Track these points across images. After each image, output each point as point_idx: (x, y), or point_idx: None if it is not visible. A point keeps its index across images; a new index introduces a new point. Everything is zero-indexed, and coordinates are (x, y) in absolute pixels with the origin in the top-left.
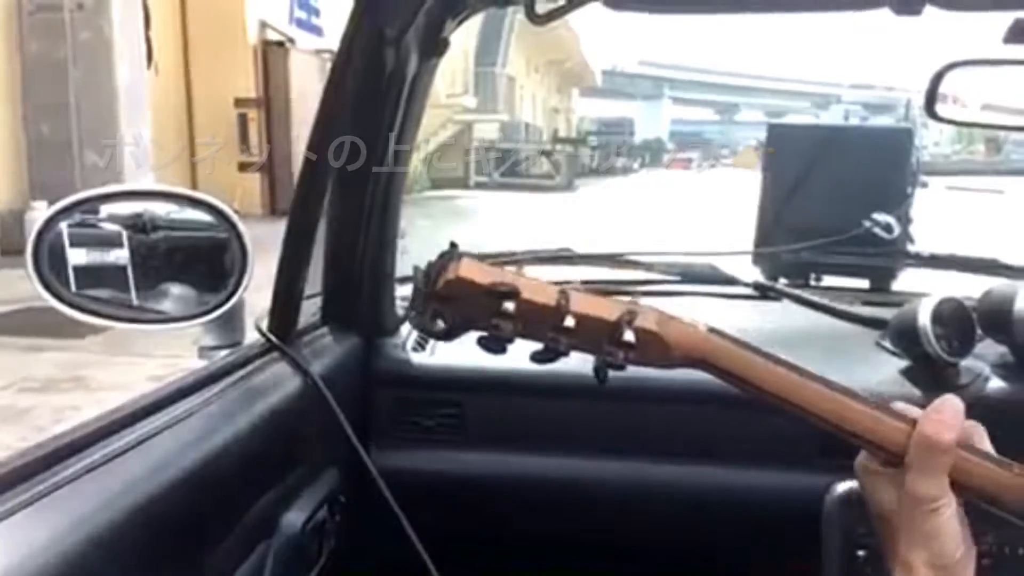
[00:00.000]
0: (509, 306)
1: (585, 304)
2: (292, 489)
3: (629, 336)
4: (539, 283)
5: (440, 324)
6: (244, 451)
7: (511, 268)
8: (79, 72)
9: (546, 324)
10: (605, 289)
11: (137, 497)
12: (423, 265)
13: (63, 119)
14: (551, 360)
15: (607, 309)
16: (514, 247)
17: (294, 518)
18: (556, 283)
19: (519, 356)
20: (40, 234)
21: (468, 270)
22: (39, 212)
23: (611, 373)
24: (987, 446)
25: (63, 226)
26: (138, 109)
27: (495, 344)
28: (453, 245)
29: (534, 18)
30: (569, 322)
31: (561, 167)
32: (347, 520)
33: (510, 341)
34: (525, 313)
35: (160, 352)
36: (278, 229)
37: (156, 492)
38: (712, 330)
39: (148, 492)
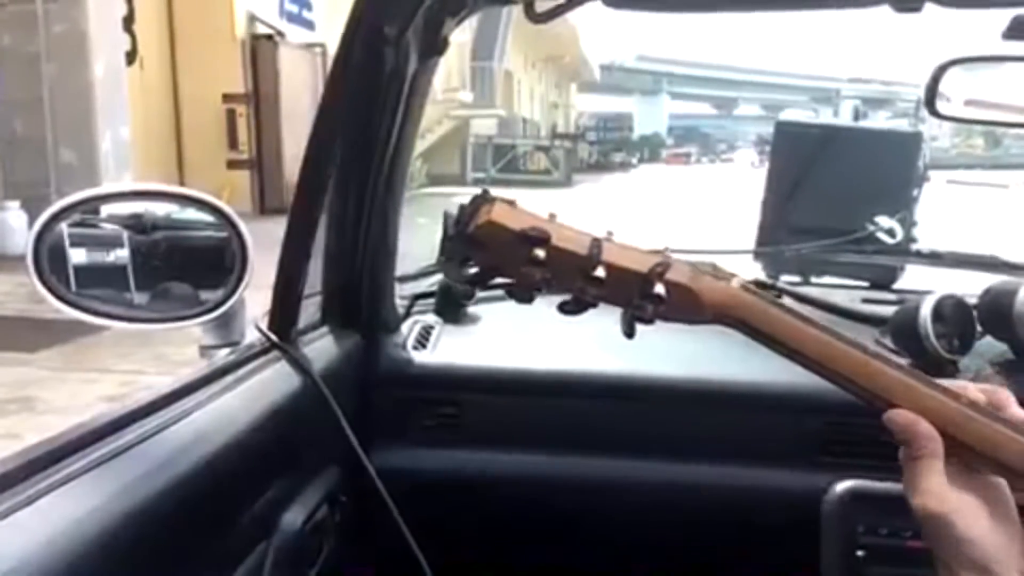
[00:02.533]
0: (540, 253)
1: (617, 254)
2: (292, 488)
3: (660, 290)
4: (572, 231)
5: (470, 269)
6: (244, 450)
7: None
8: (53, 67)
9: (576, 273)
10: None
11: (137, 495)
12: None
13: (37, 116)
14: (578, 312)
15: (639, 260)
16: None
17: (294, 517)
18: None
19: (518, 355)
20: (40, 234)
21: (500, 214)
22: (12, 212)
23: (608, 372)
24: (1015, 410)
25: (63, 226)
26: (117, 105)
27: (523, 294)
28: (485, 191)
29: (533, 16)
30: (599, 272)
31: (559, 163)
32: (347, 519)
33: (538, 290)
34: (555, 261)
35: (120, 367)
36: (269, 228)
37: (156, 491)
38: (746, 287)
39: (148, 491)
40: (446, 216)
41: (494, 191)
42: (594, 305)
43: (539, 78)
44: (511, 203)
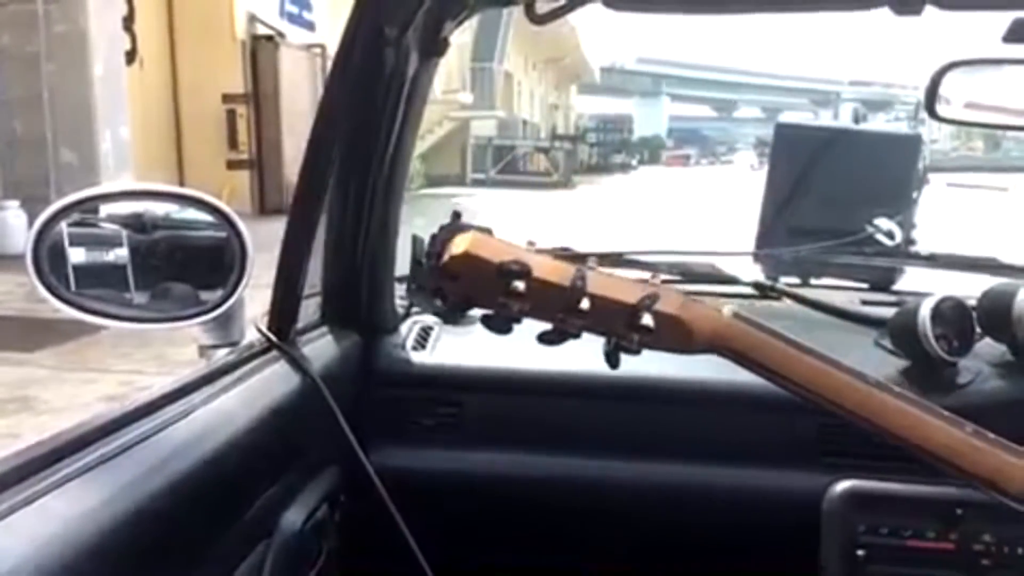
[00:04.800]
0: (519, 285)
1: (602, 285)
2: (292, 488)
3: (648, 320)
4: (553, 262)
5: (440, 303)
6: (244, 450)
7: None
8: (53, 66)
9: (558, 305)
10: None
11: (137, 496)
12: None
13: (37, 115)
14: (559, 342)
15: (626, 291)
16: None
17: (294, 517)
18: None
19: (518, 355)
20: (40, 233)
21: (477, 245)
22: (11, 211)
23: (608, 373)
24: None
25: (63, 225)
26: (117, 105)
27: (500, 324)
28: (457, 215)
29: (534, 18)
30: (584, 304)
31: (559, 164)
32: (347, 519)
33: (517, 321)
34: (536, 293)
35: (119, 366)
36: (270, 228)
37: (156, 491)
38: (737, 315)
39: (148, 491)
40: (415, 240)
41: (494, 192)
42: (576, 336)
43: (539, 80)
44: (487, 231)
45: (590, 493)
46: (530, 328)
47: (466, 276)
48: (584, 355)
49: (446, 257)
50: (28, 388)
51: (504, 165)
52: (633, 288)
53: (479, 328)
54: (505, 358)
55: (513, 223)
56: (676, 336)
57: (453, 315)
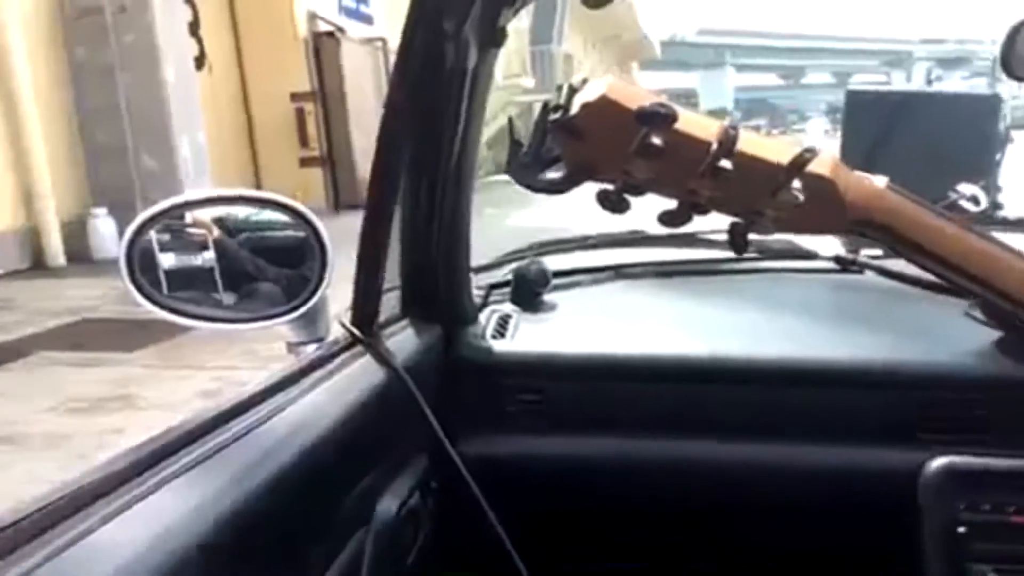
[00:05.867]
0: (657, 140)
1: (751, 143)
2: (385, 477)
3: (797, 186)
4: (696, 114)
5: (551, 174)
6: (336, 443)
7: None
8: (127, 76)
9: (692, 169)
10: (682, 269)
11: (239, 491)
12: (481, 250)
13: (116, 124)
14: (681, 223)
15: (778, 150)
16: (587, 230)
17: (389, 504)
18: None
19: (598, 340)
20: (131, 243)
21: (615, 90)
22: (101, 219)
23: (693, 354)
24: None
25: (152, 234)
26: (191, 110)
27: (617, 200)
28: (585, 79)
29: (589, 2)
30: (726, 164)
31: None
32: (439, 505)
33: (639, 193)
34: (674, 150)
35: (213, 363)
36: (343, 225)
37: (256, 486)
38: (893, 188)
39: (249, 486)
40: (510, 121)
41: None
42: (703, 212)
43: (600, 59)
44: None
45: (677, 476)
46: (608, 314)
47: (595, 131)
48: (665, 338)
49: (577, 107)
50: (130, 387)
51: None
52: (785, 147)
53: (556, 315)
54: (585, 344)
55: (579, 204)
56: (826, 207)
57: (566, 187)
